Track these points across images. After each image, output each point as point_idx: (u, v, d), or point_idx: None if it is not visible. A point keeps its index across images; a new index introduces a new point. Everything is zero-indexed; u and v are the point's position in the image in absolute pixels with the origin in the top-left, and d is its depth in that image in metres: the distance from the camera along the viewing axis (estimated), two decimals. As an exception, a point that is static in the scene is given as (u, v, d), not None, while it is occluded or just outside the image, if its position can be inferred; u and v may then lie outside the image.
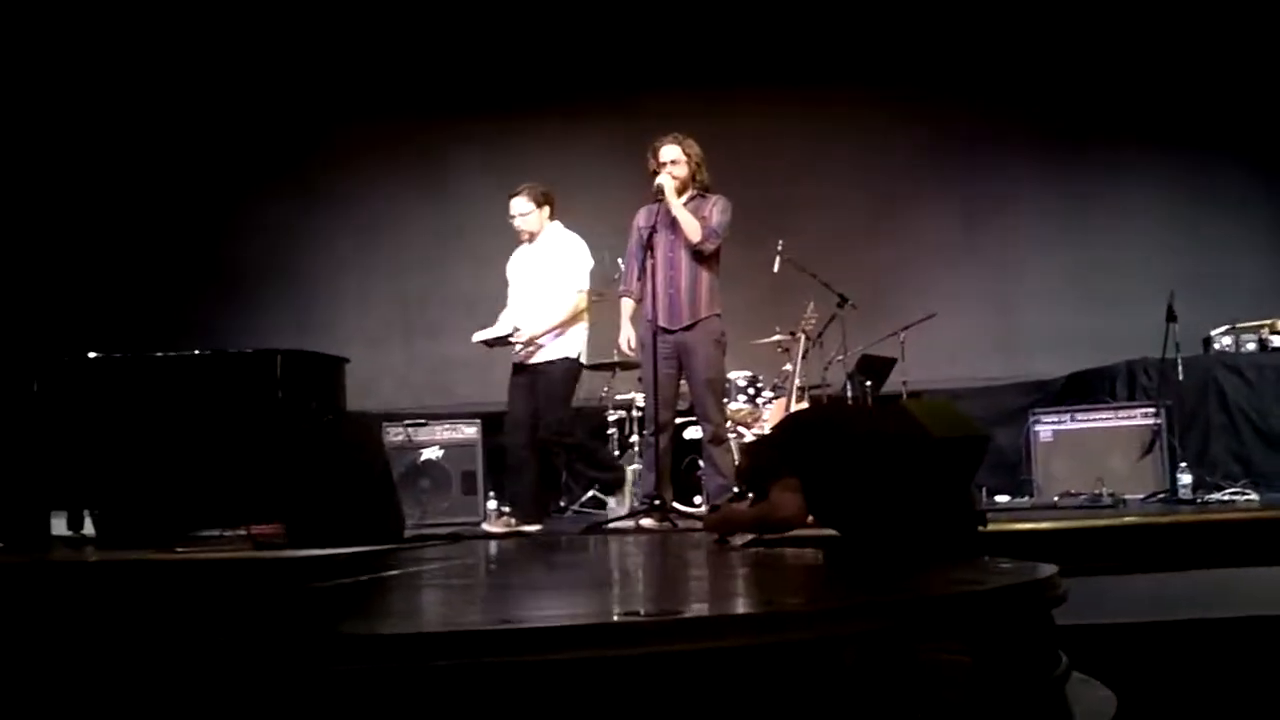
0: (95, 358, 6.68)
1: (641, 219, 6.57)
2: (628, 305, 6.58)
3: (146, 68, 10.29)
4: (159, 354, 6.68)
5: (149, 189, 10.38)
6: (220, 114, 10.47)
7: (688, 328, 6.37)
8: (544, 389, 6.56)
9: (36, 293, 9.56)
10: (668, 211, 6.37)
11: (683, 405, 7.17)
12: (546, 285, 6.69)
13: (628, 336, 6.54)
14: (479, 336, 6.73)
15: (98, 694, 1.73)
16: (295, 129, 10.53)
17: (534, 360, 6.65)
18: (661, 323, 6.32)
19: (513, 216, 6.80)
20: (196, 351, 6.66)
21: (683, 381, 6.64)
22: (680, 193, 6.39)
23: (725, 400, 8.09)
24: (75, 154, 10.13)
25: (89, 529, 6.88)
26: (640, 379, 6.62)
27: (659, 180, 6.36)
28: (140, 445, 6.34)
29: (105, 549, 5.90)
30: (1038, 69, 9.95)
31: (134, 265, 10.20)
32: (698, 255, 6.39)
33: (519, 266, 6.92)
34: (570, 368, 6.63)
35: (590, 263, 6.74)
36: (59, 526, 6.83)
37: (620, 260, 6.82)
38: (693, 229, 6.32)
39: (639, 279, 6.50)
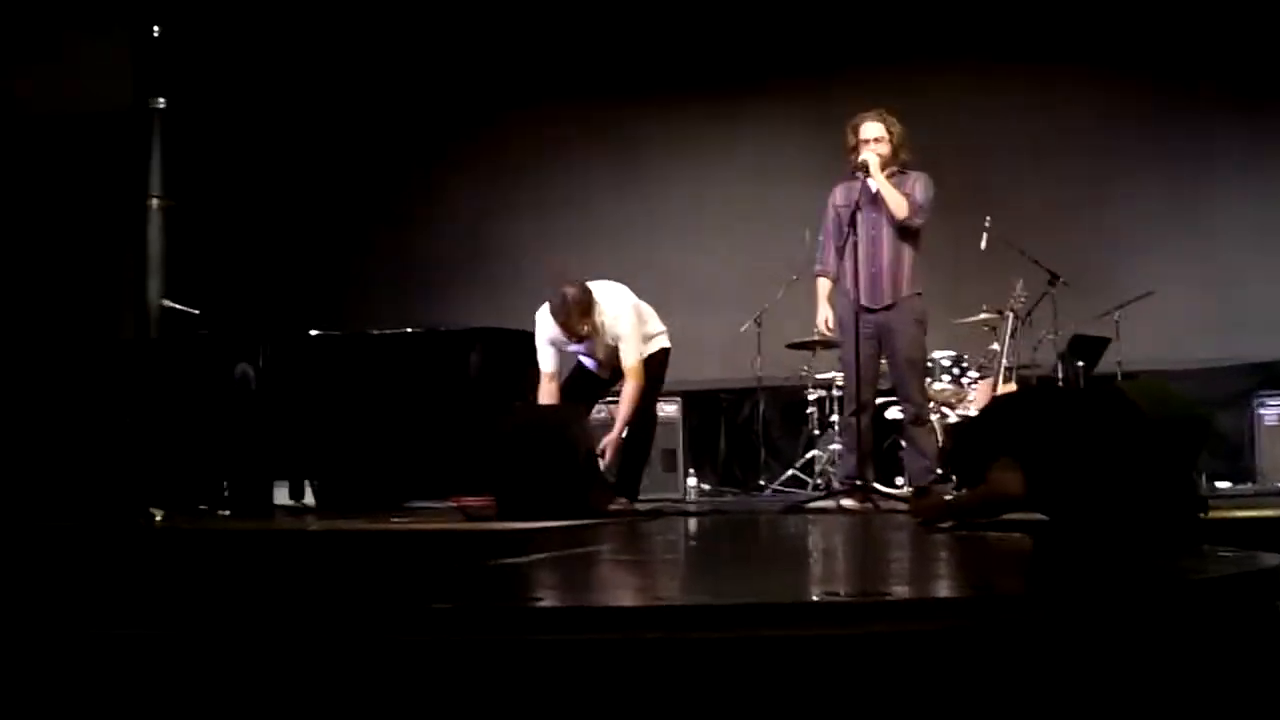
0: (316, 335, 6.98)
1: (839, 197, 6.45)
2: (824, 285, 6.48)
3: (360, 52, 10.66)
4: (374, 331, 6.95)
5: (359, 172, 10.76)
6: (419, 96, 10.76)
7: (889, 307, 6.29)
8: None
9: (262, 272, 10.02)
10: (869, 188, 6.28)
11: (883, 385, 7.08)
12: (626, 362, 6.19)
13: (826, 316, 6.44)
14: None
15: (299, 657, 1.81)
16: (490, 110, 10.73)
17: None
18: (864, 301, 6.22)
19: (572, 338, 6.03)
20: (409, 329, 6.90)
21: (883, 361, 6.54)
22: (882, 170, 6.29)
23: (928, 380, 7.97)
24: (293, 140, 10.57)
25: (309, 499, 7.21)
26: (840, 358, 6.51)
27: (862, 157, 6.27)
28: (357, 419, 6.61)
29: (324, 518, 6.16)
30: (1253, 32, 9.44)
31: (345, 247, 10.60)
32: (901, 233, 6.29)
33: (584, 349, 6.26)
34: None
35: (638, 322, 6.18)
36: (281, 496, 7.18)
37: (820, 238, 6.73)
38: (899, 205, 6.23)
39: (837, 258, 6.41)
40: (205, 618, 1.91)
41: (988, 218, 7.96)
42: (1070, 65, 9.73)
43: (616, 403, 6.70)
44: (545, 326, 6.06)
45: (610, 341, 6.14)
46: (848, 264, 6.26)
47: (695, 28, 10.38)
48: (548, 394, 6.12)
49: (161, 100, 8.97)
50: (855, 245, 6.20)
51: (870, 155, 6.25)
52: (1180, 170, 9.72)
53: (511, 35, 10.62)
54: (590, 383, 6.47)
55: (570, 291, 5.88)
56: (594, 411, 7.00)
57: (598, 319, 6.01)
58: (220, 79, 10.00)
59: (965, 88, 9.86)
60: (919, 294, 6.36)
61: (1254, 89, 9.50)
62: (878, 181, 6.24)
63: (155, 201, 8.88)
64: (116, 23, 9.28)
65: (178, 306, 8.04)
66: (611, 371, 6.33)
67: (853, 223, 6.18)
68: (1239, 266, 9.57)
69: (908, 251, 6.33)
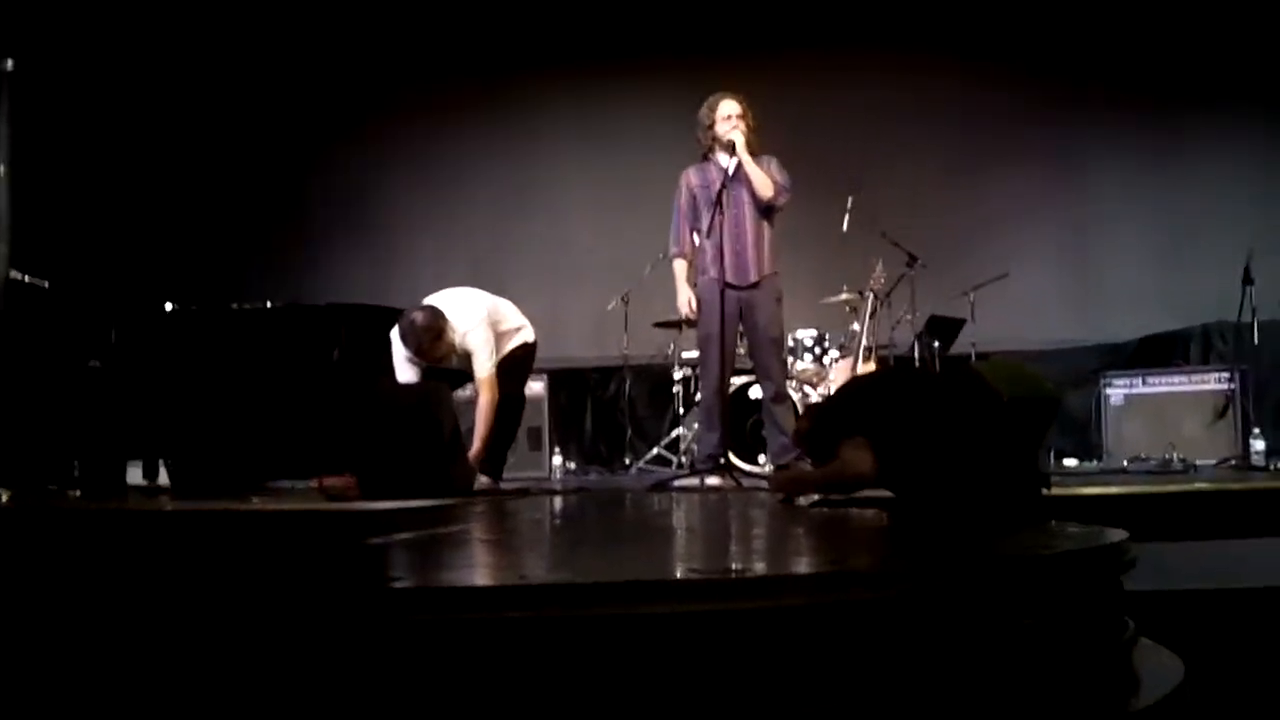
0: (172, 309, 6.80)
1: (694, 178, 6.52)
2: (681, 265, 6.55)
3: (223, 23, 10.40)
4: (233, 306, 6.79)
5: (227, 144, 10.53)
6: (295, 70, 10.57)
7: (754, 285, 6.36)
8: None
9: (115, 244, 9.72)
10: (732, 168, 6.34)
11: (740, 364, 7.18)
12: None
13: (688, 297, 6.49)
14: None
15: (160, 641, 1.77)
16: (368, 83, 10.62)
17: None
18: (729, 279, 6.28)
19: (431, 363, 6.05)
20: (269, 304, 6.76)
21: (740, 339, 6.62)
22: (732, 150, 6.35)
23: (790, 359, 8.10)
24: (156, 109, 10.27)
25: (164, 479, 7.03)
26: (700, 337, 6.53)
27: (731, 135, 6.32)
28: (215, 396, 6.45)
29: (180, 499, 6.01)
30: (1114, 26, 9.76)
31: (213, 220, 10.36)
32: (761, 212, 6.39)
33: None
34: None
35: (489, 334, 6.14)
36: (135, 476, 6.98)
37: (674, 220, 6.72)
38: (765, 184, 6.31)
39: (695, 238, 6.48)
40: (52, 602, 1.86)
41: (849, 199, 8.11)
42: (932, 51, 9.94)
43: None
44: (400, 347, 5.99)
45: (464, 354, 6.12)
46: (710, 243, 6.32)
47: (570, 6, 10.36)
48: None
49: (9, 62, 8.61)
50: (721, 224, 6.25)
51: (738, 133, 6.32)
52: (1037, 155, 10.01)
53: (393, 8, 10.47)
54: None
55: (418, 319, 5.84)
56: (461, 389, 6.96)
57: (449, 337, 5.98)
58: (75, 38, 9.65)
59: (830, 71, 10.02)
60: (776, 273, 6.46)
61: (1110, 75, 9.81)
62: (744, 159, 6.30)
63: (1, 168, 8.54)
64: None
65: (26, 278, 7.75)
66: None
67: (719, 201, 6.23)
68: (1091, 250, 9.91)
69: (767, 230, 6.44)
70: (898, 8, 9.95)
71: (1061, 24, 9.81)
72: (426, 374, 6.13)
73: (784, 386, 6.58)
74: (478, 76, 10.50)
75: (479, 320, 6.10)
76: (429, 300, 6.11)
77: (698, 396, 8.33)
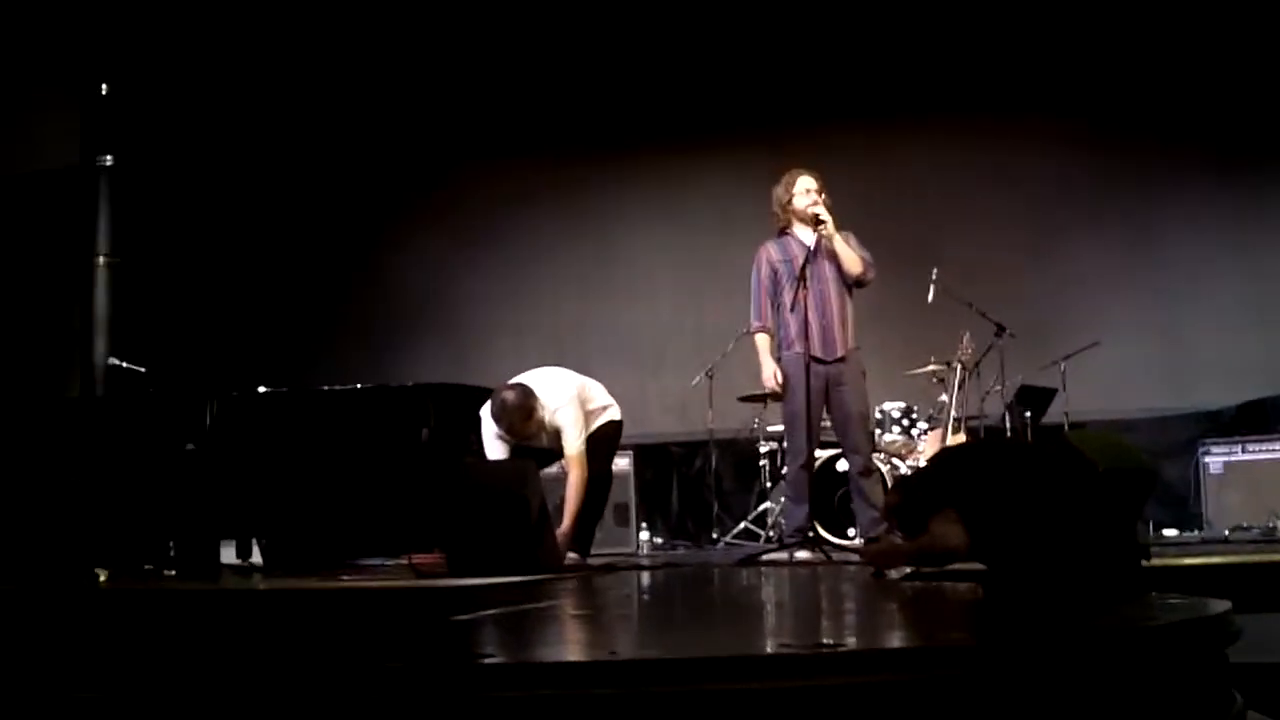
0: (265, 392, 6.92)
1: (774, 253, 6.51)
2: (765, 340, 6.51)
3: (312, 108, 10.68)
4: (324, 388, 6.90)
5: (312, 229, 10.76)
6: (374, 152, 10.80)
7: (840, 359, 6.34)
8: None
9: (209, 329, 9.95)
10: (816, 242, 6.35)
11: (824, 438, 7.16)
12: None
13: (773, 370, 6.43)
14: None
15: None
16: (447, 165, 10.80)
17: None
18: (817, 354, 6.27)
19: (521, 441, 6.09)
20: (359, 386, 6.86)
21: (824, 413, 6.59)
22: (813, 225, 6.38)
23: (879, 432, 8.04)
24: (241, 196, 10.55)
25: (257, 557, 7.12)
26: (785, 411, 6.47)
27: (816, 210, 6.35)
28: (306, 476, 6.54)
29: (272, 577, 6.08)
30: (1204, 89, 9.64)
31: (297, 303, 10.57)
32: (848, 287, 6.39)
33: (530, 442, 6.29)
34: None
35: (579, 412, 6.18)
36: (228, 555, 7.08)
37: (754, 295, 6.70)
38: (854, 261, 6.35)
39: (775, 313, 6.46)
40: (154, 680, 1.89)
41: (934, 270, 8.05)
42: (1016, 117, 9.89)
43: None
44: (490, 425, 6.03)
45: (553, 431, 6.14)
46: (794, 317, 6.30)
47: (650, 85, 10.50)
48: None
49: (109, 158, 8.92)
50: (805, 299, 6.24)
51: (821, 208, 6.35)
52: (1124, 221, 9.87)
53: (470, 91, 10.69)
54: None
55: (509, 397, 5.89)
56: (547, 466, 7.00)
57: (540, 415, 6.00)
58: (169, 136, 9.97)
59: (912, 141, 10.01)
60: (859, 347, 6.46)
61: (1199, 141, 9.68)
62: (833, 235, 6.33)
63: (102, 259, 8.81)
64: (65, 80, 9.24)
65: (124, 364, 7.95)
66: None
67: (803, 275, 6.23)
68: (1183, 316, 9.71)
69: (850, 304, 6.44)
70: (971, 74, 9.93)
71: (1138, 86, 9.71)
72: (515, 451, 6.17)
73: (871, 460, 6.53)
74: (554, 155, 10.63)
75: (569, 399, 6.12)
76: (519, 379, 6.16)
77: (784, 470, 8.29)
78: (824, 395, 6.37)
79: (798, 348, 6.30)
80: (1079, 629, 2.23)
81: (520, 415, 5.89)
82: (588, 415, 6.25)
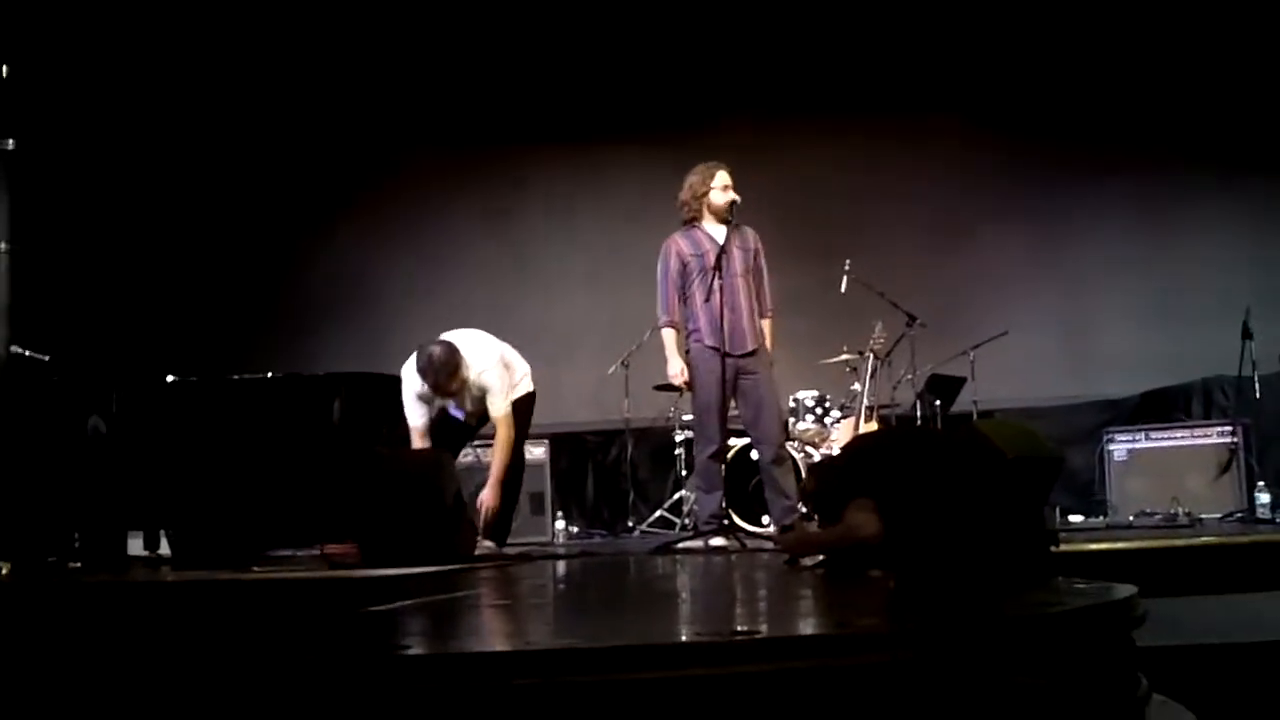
0: (172, 381, 6.80)
1: (684, 245, 6.49)
2: (672, 334, 6.51)
3: (220, 97, 10.50)
4: (233, 377, 6.79)
5: (222, 216, 10.59)
6: (290, 142, 10.66)
7: (751, 353, 6.37)
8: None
9: (115, 316, 9.75)
10: (713, 240, 6.38)
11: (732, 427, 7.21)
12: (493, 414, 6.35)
13: (680, 367, 6.45)
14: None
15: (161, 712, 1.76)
16: (363, 157, 10.70)
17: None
18: (729, 349, 6.28)
19: (447, 400, 6.24)
20: (269, 374, 6.76)
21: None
22: (724, 220, 6.45)
23: (793, 420, 8.10)
24: (149, 181, 10.35)
25: (165, 549, 7.00)
26: (696, 402, 6.46)
27: (734, 200, 6.37)
28: (215, 466, 6.43)
29: (181, 569, 5.98)
30: (1107, 89, 9.84)
31: (208, 291, 10.40)
32: (750, 279, 6.44)
33: (453, 404, 6.37)
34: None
35: (504, 373, 6.32)
36: (135, 547, 6.95)
37: (662, 288, 6.70)
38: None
39: (684, 306, 6.47)
40: (56, 675, 1.85)
41: (847, 261, 8.13)
42: (928, 113, 10.02)
43: (484, 446, 6.71)
44: (412, 382, 6.11)
45: (477, 394, 6.22)
46: (705, 311, 6.31)
47: (564, 79, 10.47)
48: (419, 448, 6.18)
49: (10, 142, 8.68)
50: (718, 291, 6.26)
51: (732, 199, 6.37)
52: (1034, 215, 10.05)
53: (385, 83, 10.58)
54: (457, 427, 6.46)
55: (436, 352, 5.96)
56: (461, 455, 6.96)
57: (464, 374, 6.08)
58: (72, 120, 9.74)
59: (826, 135, 10.09)
60: (765, 340, 6.52)
61: (1106, 138, 9.87)
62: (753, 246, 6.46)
63: (3, 245, 8.58)
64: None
65: (26, 353, 7.76)
66: (478, 419, 6.40)
67: (717, 267, 6.24)
68: (1090, 307, 9.92)
69: (754, 297, 6.49)
70: (887, 70, 10.04)
71: (1052, 84, 9.89)
72: (436, 431, 6.16)
73: (784, 449, 6.57)
74: (468, 149, 10.57)
75: (494, 361, 6.23)
76: (444, 336, 6.19)
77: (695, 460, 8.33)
78: (733, 386, 6.38)
79: (708, 340, 6.32)
80: (988, 614, 2.26)
81: (446, 372, 5.96)
82: (509, 381, 6.33)
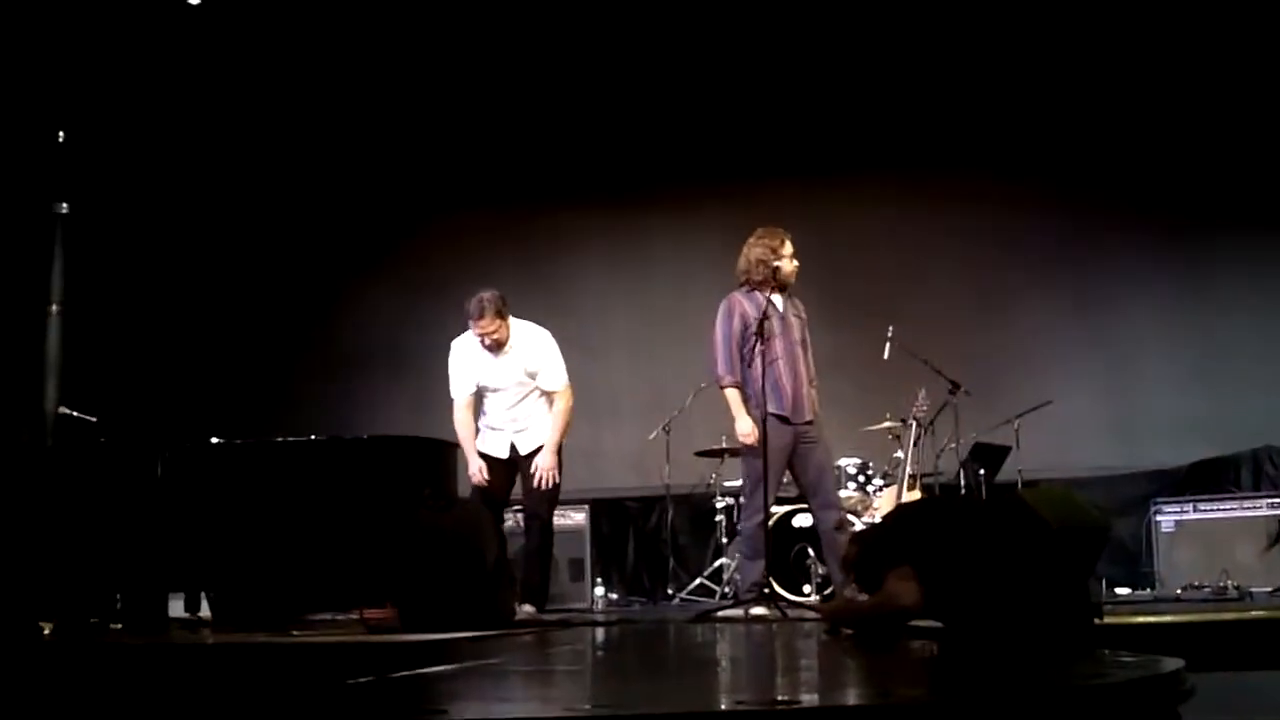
0: (217, 443, 6.85)
1: (748, 306, 6.42)
2: (735, 395, 6.37)
3: (263, 158, 10.67)
4: (276, 439, 6.84)
5: (266, 281, 10.70)
6: (329, 203, 10.79)
7: (809, 421, 6.34)
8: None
9: (161, 377, 9.86)
10: (774, 306, 6.38)
11: (786, 494, 7.18)
12: (539, 384, 6.75)
13: (752, 426, 6.25)
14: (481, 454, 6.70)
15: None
16: (403, 217, 10.82)
17: (525, 450, 6.73)
18: (791, 417, 6.28)
19: (482, 335, 6.63)
20: (312, 437, 6.80)
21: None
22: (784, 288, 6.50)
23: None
24: (194, 245, 10.50)
25: (205, 611, 7.01)
26: (748, 465, 6.41)
27: (794, 268, 6.41)
28: (256, 528, 6.46)
29: (221, 631, 5.99)
30: (1153, 151, 9.81)
31: (254, 355, 10.49)
32: (804, 348, 6.47)
33: (499, 373, 6.75)
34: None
35: (558, 350, 6.87)
36: (176, 608, 6.97)
37: (724, 348, 6.70)
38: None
39: (744, 367, 6.42)
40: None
41: (890, 328, 8.10)
42: (973, 177, 10.02)
43: (521, 512, 6.77)
44: (460, 348, 6.69)
45: (527, 358, 6.63)
46: (769, 377, 6.21)
47: (604, 141, 10.55)
48: (462, 422, 6.70)
49: (64, 205, 8.85)
50: (776, 358, 6.26)
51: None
52: (1079, 281, 9.99)
53: (427, 144, 10.71)
54: (499, 480, 6.62)
55: (486, 294, 6.55)
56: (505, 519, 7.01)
57: (510, 325, 6.60)
58: (126, 184, 9.92)
59: (868, 197, 10.11)
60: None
61: (1150, 203, 9.83)
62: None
63: (55, 306, 8.71)
64: (21, 127, 9.18)
65: (75, 414, 7.85)
66: (522, 398, 6.72)
67: (762, 334, 6.21)
68: (1136, 375, 9.82)
69: (809, 364, 6.51)
70: (929, 132, 10.06)
71: (1090, 148, 9.88)
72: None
73: (845, 515, 6.50)
74: (511, 210, 10.64)
75: (552, 340, 6.75)
76: None
77: (739, 526, 8.27)
78: (789, 454, 6.34)
79: (772, 408, 6.22)
80: (1033, 686, 2.23)
81: (493, 309, 6.51)
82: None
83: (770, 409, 6.20)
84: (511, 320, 6.62)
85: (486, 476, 6.65)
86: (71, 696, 2.63)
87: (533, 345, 6.68)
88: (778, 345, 6.30)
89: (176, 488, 6.68)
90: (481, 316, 6.50)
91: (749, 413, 6.29)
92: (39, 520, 6.66)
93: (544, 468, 6.59)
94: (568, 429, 6.67)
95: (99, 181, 9.36)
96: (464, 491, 6.77)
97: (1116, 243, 9.96)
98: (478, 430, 6.81)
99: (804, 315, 6.57)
